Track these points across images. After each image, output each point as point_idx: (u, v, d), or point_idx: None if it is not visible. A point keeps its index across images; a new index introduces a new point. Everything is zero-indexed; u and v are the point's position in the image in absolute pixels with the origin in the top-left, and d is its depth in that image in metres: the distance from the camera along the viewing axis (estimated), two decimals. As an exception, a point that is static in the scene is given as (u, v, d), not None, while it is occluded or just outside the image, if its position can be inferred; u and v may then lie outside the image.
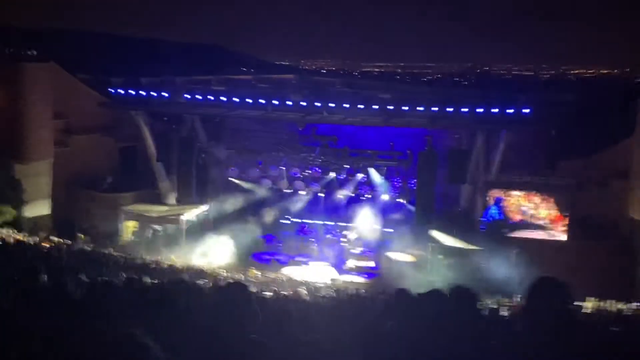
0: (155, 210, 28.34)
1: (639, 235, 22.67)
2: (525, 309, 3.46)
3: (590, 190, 24.94)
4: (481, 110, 24.35)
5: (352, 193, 29.07)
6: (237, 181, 29.99)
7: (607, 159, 25.57)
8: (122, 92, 28.48)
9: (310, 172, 29.44)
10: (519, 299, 19.33)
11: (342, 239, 28.56)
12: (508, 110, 24.07)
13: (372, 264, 27.06)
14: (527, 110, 23.99)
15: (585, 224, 24.19)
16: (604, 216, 24.35)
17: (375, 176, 28.36)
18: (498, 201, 25.13)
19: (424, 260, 25.53)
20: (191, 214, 28.19)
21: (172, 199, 29.12)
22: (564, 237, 24.40)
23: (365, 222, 28.25)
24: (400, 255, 26.31)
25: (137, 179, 29.86)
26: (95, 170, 29.12)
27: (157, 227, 27.90)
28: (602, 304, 19.02)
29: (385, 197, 28.49)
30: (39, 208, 27.07)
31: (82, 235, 26.57)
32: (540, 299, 3.37)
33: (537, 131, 25.87)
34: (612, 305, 18.97)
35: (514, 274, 23.01)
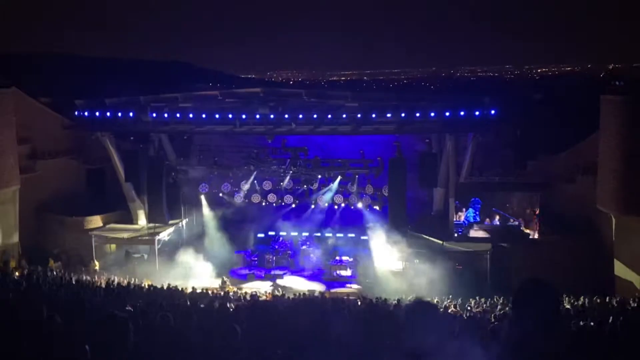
0: (127, 231, 27.93)
1: (607, 228, 23.02)
2: (514, 312, 3.42)
3: (558, 187, 25.29)
4: (448, 114, 24.57)
5: (326, 203, 29.01)
6: (205, 199, 29.71)
7: (573, 156, 25.98)
8: (87, 113, 28.08)
9: (282, 184, 29.32)
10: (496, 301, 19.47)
11: (315, 251, 28.46)
12: (475, 113, 24.34)
13: (349, 272, 27.01)
14: (494, 112, 24.29)
15: (555, 220, 24.50)
16: (573, 211, 24.70)
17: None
18: (474, 203, 25.26)
19: (401, 266, 25.58)
20: (164, 233, 27.84)
21: (143, 219, 28.73)
22: (536, 235, 24.65)
23: (343, 232, 28.27)
24: (378, 263, 26.33)
25: (106, 200, 29.42)
26: (63, 194, 28.62)
27: (129, 248, 27.51)
28: (575, 299, 19.21)
29: (359, 204, 28.49)
30: (8, 236, 26.46)
31: (53, 261, 26.06)
32: (530, 302, 3.33)
33: (505, 132, 26.20)
34: (585, 300, 19.18)
35: (488, 273, 23.26)
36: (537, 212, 24.62)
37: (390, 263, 26.21)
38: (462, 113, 24.45)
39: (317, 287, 25.60)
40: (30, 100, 29.05)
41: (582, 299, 18.99)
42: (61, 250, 27.32)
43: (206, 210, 29.56)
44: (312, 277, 27.24)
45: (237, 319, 9.57)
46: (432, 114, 24.76)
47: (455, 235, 25.10)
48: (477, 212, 25.24)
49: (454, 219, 25.47)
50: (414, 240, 25.47)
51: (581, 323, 12.77)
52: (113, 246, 28.03)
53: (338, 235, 28.72)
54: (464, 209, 25.41)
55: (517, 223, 25.00)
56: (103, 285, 20.89)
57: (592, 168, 23.24)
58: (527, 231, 24.78)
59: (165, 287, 21.77)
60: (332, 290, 24.76)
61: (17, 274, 22.08)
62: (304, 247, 28.99)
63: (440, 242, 24.85)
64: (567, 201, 24.95)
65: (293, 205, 29.48)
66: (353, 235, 28.58)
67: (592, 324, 13.03)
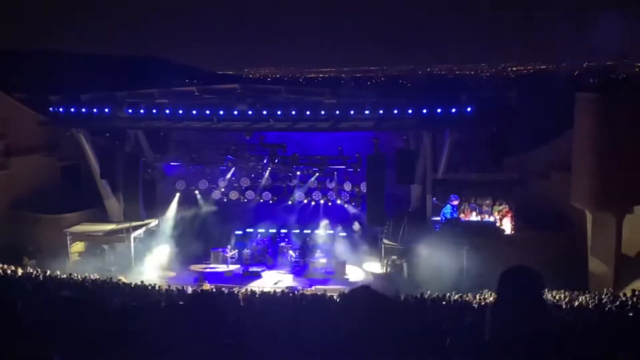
0: (102, 229, 27.64)
1: (581, 224, 23.34)
2: (498, 298, 3.44)
3: (533, 183, 25.58)
4: (425, 111, 24.75)
5: (304, 199, 29.02)
6: (182, 195, 29.52)
7: (548, 152, 26.29)
8: (62, 110, 27.74)
9: (260, 180, 29.25)
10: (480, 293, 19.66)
11: (294, 248, 28.46)
12: (452, 110, 24.56)
13: (328, 269, 27.05)
14: (470, 109, 24.53)
15: (529, 216, 24.79)
16: (548, 207, 25.01)
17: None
18: (451, 200, 25.43)
19: (379, 263, 25.72)
20: (139, 230, 27.61)
21: (119, 216, 28.45)
22: (511, 230, 24.92)
23: (321, 228, 28.31)
24: (355, 260, 26.44)
25: (81, 197, 29.07)
26: (37, 191, 28.23)
27: (105, 246, 27.24)
28: (551, 294, 19.46)
29: (337, 201, 28.56)
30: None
31: (27, 259, 25.72)
32: (514, 289, 3.34)
33: (481, 129, 26.42)
34: (560, 295, 19.44)
35: (464, 269, 23.45)
36: (512, 208, 24.89)
37: (368, 261, 26.36)
38: (439, 110, 24.68)
39: (294, 284, 25.62)
40: (4, 96, 28.62)
41: (556, 293, 19.25)
42: (35, 248, 26.94)
43: (183, 207, 29.38)
44: (292, 274, 27.23)
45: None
46: (410, 111, 24.95)
47: (436, 228, 25.24)
48: (455, 209, 25.44)
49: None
50: (391, 236, 25.60)
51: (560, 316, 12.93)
52: (87, 243, 27.71)
53: (317, 232, 28.75)
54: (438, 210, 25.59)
55: (492, 219, 25.26)
56: (78, 281, 20.67)
57: (566, 164, 23.53)
58: (502, 227, 25.03)
59: (139, 284, 21.60)
60: (311, 288, 24.75)
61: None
62: (282, 244, 28.98)
63: (416, 245, 24.95)
64: (542, 197, 25.24)
65: (271, 202, 29.44)
66: (332, 232, 28.62)
67: (566, 317, 13.22)
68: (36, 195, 28.09)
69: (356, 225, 28.32)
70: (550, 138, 26.81)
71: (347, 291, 3.71)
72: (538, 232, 24.50)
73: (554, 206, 24.85)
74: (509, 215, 24.94)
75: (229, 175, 29.01)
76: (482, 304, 16.61)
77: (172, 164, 29.47)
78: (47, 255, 26.41)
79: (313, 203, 28.95)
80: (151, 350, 4.78)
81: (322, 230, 28.35)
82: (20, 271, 21.85)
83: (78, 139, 27.78)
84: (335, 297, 18.75)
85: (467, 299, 19.23)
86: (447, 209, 25.43)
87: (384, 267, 25.47)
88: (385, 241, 25.47)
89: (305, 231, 29.01)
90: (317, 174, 28.49)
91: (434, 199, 25.65)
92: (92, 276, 22.83)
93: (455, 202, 25.43)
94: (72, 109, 27.53)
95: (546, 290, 18.77)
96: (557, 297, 18.90)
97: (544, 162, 25.96)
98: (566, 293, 19.67)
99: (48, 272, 22.42)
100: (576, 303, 17.32)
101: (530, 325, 3.22)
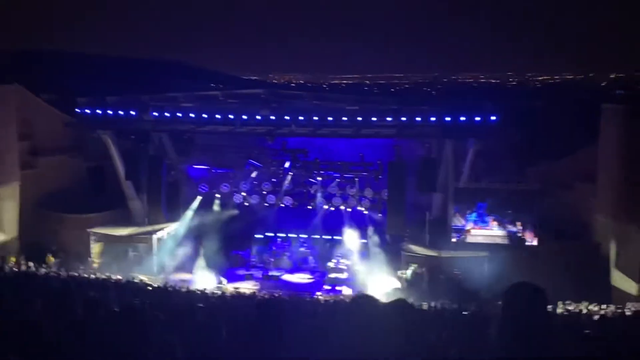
0: (126, 230, 27.94)
1: (605, 236, 23.05)
2: (502, 314, 3.44)
3: (557, 193, 25.32)
4: (449, 119, 24.63)
5: (325, 205, 29.02)
6: (205, 198, 29.74)
7: (573, 163, 26.03)
8: (88, 111, 28.14)
9: (281, 185, 29.35)
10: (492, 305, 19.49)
11: (314, 253, 28.49)
12: (475, 118, 24.40)
13: (345, 275, 27.03)
14: (494, 118, 24.36)
15: (553, 227, 24.52)
16: (572, 219, 24.73)
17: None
18: (479, 207, 25.19)
19: (399, 271, 25.61)
20: (162, 232, 27.87)
21: (142, 217, 28.75)
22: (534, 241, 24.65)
23: (341, 234, 28.33)
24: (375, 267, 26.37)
25: (106, 198, 29.43)
26: (63, 191, 28.63)
27: (128, 247, 27.52)
28: (572, 306, 19.24)
29: (358, 207, 28.52)
30: (7, 232, 26.47)
31: (52, 258, 26.09)
32: (518, 305, 3.35)
33: (505, 138, 26.24)
34: (582, 308, 19.20)
35: (485, 280, 23.27)
36: (536, 218, 24.62)
37: (388, 268, 26.26)
38: (462, 118, 24.52)
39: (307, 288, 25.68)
40: (32, 96, 29.08)
41: (577, 305, 19.02)
42: (59, 247, 27.32)
43: (205, 210, 29.60)
44: (311, 279, 27.30)
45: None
46: (433, 119, 24.84)
47: (454, 240, 25.04)
48: (482, 216, 25.15)
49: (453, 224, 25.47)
50: (411, 244, 25.51)
51: (576, 330, 12.80)
52: (111, 244, 28.01)
53: (336, 238, 28.73)
54: (463, 215, 25.37)
55: (515, 230, 25.00)
56: (100, 280, 20.93)
57: (591, 176, 23.28)
58: (525, 238, 24.78)
59: (161, 286, 21.80)
60: (330, 294, 24.74)
61: (15, 269, 22.13)
62: (301, 248, 29.04)
63: (437, 253, 24.84)
64: (566, 208, 24.97)
65: (292, 207, 29.52)
66: (352, 238, 28.57)
67: (588, 331, 13.07)
68: (61, 195, 28.47)
69: (367, 231, 28.20)
70: (575, 149, 26.55)
71: (380, 301, 3.75)
72: (561, 243, 24.24)
73: (578, 217, 24.59)
74: (532, 226, 24.61)
75: (250, 180, 29.15)
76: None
77: (195, 167, 29.72)
78: (70, 255, 26.79)
79: (333, 209, 28.92)
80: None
81: (343, 237, 28.33)
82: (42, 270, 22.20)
83: (104, 141, 28.14)
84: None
85: (487, 310, 19.06)
86: (473, 217, 25.22)
87: (404, 276, 25.35)
88: (406, 249, 25.37)
89: (325, 237, 29.02)
90: (338, 180, 28.50)
91: (457, 208, 25.43)
92: (113, 276, 23.10)
93: (482, 210, 25.08)
94: (99, 111, 27.90)
95: (552, 305, 18.58)
96: (578, 310, 18.68)
97: (568, 172, 25.70)
98: (588, 306, 19.43)
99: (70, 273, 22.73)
100: (597, 316, 17.09)
101: (535, 341, 3.22)
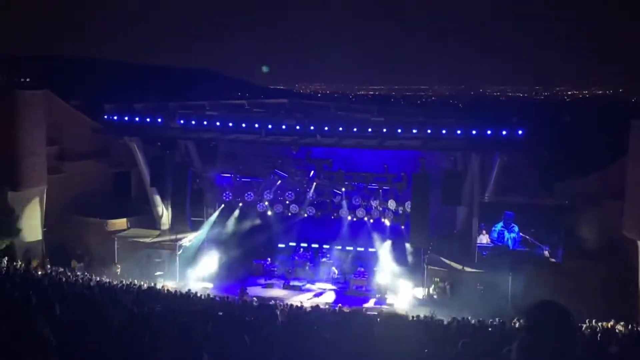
0: (150, 235, 28.17)
1: (633, 254, 22.60)
2: (526, 334, 3.35)
3: (584, 210, 24.92)
4: (475, 132, 24.41)
5: (348, 216, 28.90)
6: (229, 207, 29.85)
7: (601, 179, 25.61)
8: (116, 117, 28.48)
9: (305, 195, 29.32)
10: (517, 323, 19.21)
11: (336, 264, 28.42)
12: (502, 132, 24.15)
13: (369, 288, 26.86)
14: (521, 132, 24.08)
15: (579, 244, 24.13)
16: (599, 236, 24.31)
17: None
18: (508, 217, 24.87)
19: (422, 284, 25.41)
20: (186, 239, 28.02)
21: (167, 224, 28.96)
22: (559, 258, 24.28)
23: (364, 246, 28.25)
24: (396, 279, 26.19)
25: (131, 204, 29.72)
26: (89, 196, 28.99)
27: (151, 253, 27.71)
28: (599, 324, 18.86)
29: (382, 219, 28.34)
30: (33, 235, 26.87)
31: (76, 262, 26.38)
32: (543, 324, 3.25)
33: (532, 152, 25.94)
34: (609, 325, 18.82)
35: (509, 295, 22.96)
36: (562, 235, 24.25)
37: (410, 282, 26.05)
38: (489, 132, 24.28)
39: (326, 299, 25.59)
40: (60, 102, 29.61)
41: (603, 324, 18.64)
42: (84, 252, 27.63)
43: (229, 218, 29.71)
44: (332, 290, 27.21)
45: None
46: (459, 132, 24.64)
47: (483, 254, 24.80)
48: (509, 224, 24.83)
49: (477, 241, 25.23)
50: (435, 258, 25.30)
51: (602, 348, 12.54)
52: (136, 249, 28.22)
53: (359, 249, 28.60)
54: (484, 231, 25.14)
55: (540, 247, 24.63)
56: (124, 287, 21.09)
57: (619, 192, 22.86)
58: (550, 254, 24.42)
59: (184, 293, 21.88)
60: (352, 307, 24.60)
61: (39, 272, 22.40)
62: (324, 259, 28.94)
63: (460, 267, 24.61)
64: (592, 225, 24.57)
65: (315, 217, 29.45)
66: (374, 250, 28.44)
67: (614, 349, 12.79)
68: (87, 199, 28.84)
69: (390, 243, 28.01)
70: (603, 165, 26.14)
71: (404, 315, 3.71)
72: (587, 261, 23.81)
73: (605, 235, 24.16)
74: (559, 242, 24.26)
75: (274, 188, 29.18)
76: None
77: (220, 175, 29.85)
78: (95, 259, 27.09)
79: (356, 220, 28.78)
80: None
81: (365, 248, 28.22)
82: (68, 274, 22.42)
83: (130, 147, 28.45)
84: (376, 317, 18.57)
85: (509, 326, 18.79)
86: (498, 226, 24.95)
87: (427, 290, 25.12)
88: (429, 263, 25.15)
89: (347, 248, 28.90)
90: (362, 191, 28.37)
91: (482, 225, 25.16)
92: (136, 282, 23.26)
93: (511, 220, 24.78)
94: (126, 118, 28.23)
95: (577, 322, 18.21)
96: (604, 328, 18.30)
97: (596, 189, 25.27)
98: (615, 325, 19.02)
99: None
100: (622, 336, 16.74)
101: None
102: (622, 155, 23.37)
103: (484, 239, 25.17)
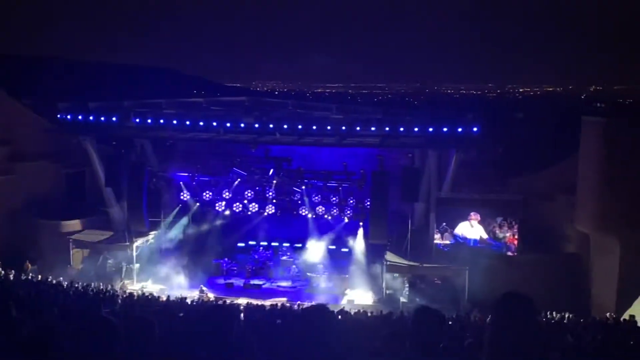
0: (105, 236, 27.65)
1: (585, 247, 23.27)
2: (492, 325, 3.43)
3: (538, 205, 25.52)
4: (431, 129, 24.78)
5: (308, 214, 28.95)
6: (186, 206, 29.56)
7: (553, 174, 26.26)
8: (69, 117, 27.88)
9: (264, 193, 29.25)
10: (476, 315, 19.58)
11: (296, 262, 28.46)
12: (458, 129, 24.58)
13: (329, 284, 26.98)
14: (476, 129, 24.56)
15: (533, 238, 24.69)
16: (552, 230, 24.93)
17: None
18: (470, 216, 25.19)
19: (379, 279, 25.64)
20: (143, 240, 27.62)
21: (123, 225, 28.47)
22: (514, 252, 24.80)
23: (324, 243, 28.31)
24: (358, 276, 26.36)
25: (85, 205, 29.13)
26: (42, 197, 28.31)
27: (107, 254, 27.25)
28: (554, 314, 19.37)
29: (341, 216, 28.50)
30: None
31: (29, 264, 25.74)
32: (508, 315, 3.34)
33: (487, 148, 26.42)
34: (562, 317, 19.34)
35: (466, 289, 23.38)
36: (516, 229, 24.79)
37: (370, 277, 26.27)
38: (445, 129, 24.69)
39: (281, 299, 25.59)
40: (12, 101, 28.81)
41: (557, 314, 19.15)
42: (37, 254, 26.96)
43: (187, 217, 29.44)
44: (292, 288, 27.25)
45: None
46: (416, 129, 24.98)
47: (445, 250, 25.14)
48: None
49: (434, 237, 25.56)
50: (392, 254, 25.54)
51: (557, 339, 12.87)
52: (89, 251, 27.70)
53: (320, 247, 28.67)
54: (449, 230, 25.41)
55: (495, 244, 25.08)
56: (80, 289, 20.69)
57: (571, 187, 23.50)
58: (505, 248, 24.93)
59: (142, 294, 21.59)
60: (312, 303, 24.66)
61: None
62: (284, 257, 28.94)
63: (418, 262, 24.88)
64: (546, 219, 25.17)
65: (275, 215, 29.43)
66: (334, 247, 28.58)
67: (570, 339, 13.16)
68: (40, 201, 28.16)
69: (349, 240, 28.22)
70: (556, 160, 26.80)
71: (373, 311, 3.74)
72: (541, 254, 24.42)
73: (559, 228, 24.79)
74: (513, 236, 24.80)
75: (233, 187, 29.01)
76: (482, 325, 16.53)
77: (177, 174, 29.52)
78: (48, 261, 26.45)
79: (316, 218, 28.86)
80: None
81: (325, 245, 28.32)
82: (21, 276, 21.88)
83: (84, 147, 27.88)
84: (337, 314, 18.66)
85: (468, 319, 19.14)
86: (461, 225, 25.28)
87: (386, 285, 25.35)
88: (387, 259, 25.39)
89: (307, 245, 28.96)
90: (322, 189, 28.47)
91: (444, 223, 25.50)
92: (93, 284, 22.84)
93: (474, 219, 25.11)
94: (80, 117, 27.67)
95: (541, 314, 18.70)
96: (558, 319, 18.80)
97: (549, 184, 25.91)
98: (568, 315, 19.57)
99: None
100: (577, 326, 17.23)
101: (526, 351, 3.22)
102: (574, 150, 23.99)
103: (450, 237, 25.45)
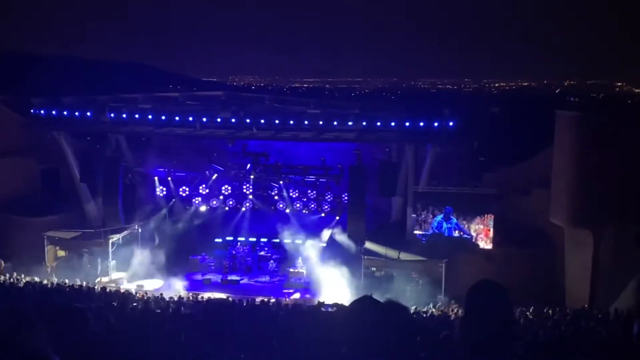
0: (81, 233, 27.32)
1: (559, 240, 23.58)
2: (466, 311, 3.47)
3: (513, 198, 25.79)
4: (408, 124, 24.90)
5: (286, 209, 28.93)
6: (162, 202, 29.33)
7: (528, 168, 26.55)
8: (43, 112, 27.50)
9: (241, 189, 29.15)
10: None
11: (274, 257, 28.43)
12: (434, 124, 24.73)
13: (307, 279, 26.98)
14: (452, 123, 24.73)
15: (509, 232, 24.96)
16: (527, 223, 25.21)
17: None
18: (448, 211, 25.38)
19: (357, 273, 25.71)
20: (118, 236, 27.33)
21: (98, 220, 28.18)
22: (489, 245, 25.04)
23: (302, 239, 28.28)
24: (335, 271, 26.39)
25: (60, 201, 28.77)
26: (16, 194, 27.88)
27: (83, 251, 26.93)
28: (530, 308, 19.59)
29: (319, 211, 28.50)
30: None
31: (3, 261, 25.37)
32: (481, 302, 3.38)
33: (463, 143, 26.62)
34: (538, 311, 19.56)
35: (443, 282, 23.57)
36: (492, 223, 25.03)
37: (347, 271, 26.33)
38: (421, 124, 24.83)
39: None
40: (-17, 96, 28.32)
41: (532, 308, 19.38)
42: (12, 251, 26.57)
43: (162, 213, 29.21)
44: (270, 283, 27.21)
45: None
46: (393, 124, 25.08)
47: (422, 241, 25.33)
48: (448, 219, 25.39)
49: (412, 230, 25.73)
50: (371, 248, 25.63)
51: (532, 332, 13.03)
52: (64, 248, 27.37)
53: (297, 241, 28.65)
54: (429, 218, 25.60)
55: (468, 235, 25.30)
56: (54, 286, 20.45)
57: (546, 181, 23.76)
58: (481, 242, 25.16)
59: (119, 290, 21.41)
60: (289, 298, 24.67)
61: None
62: (262, 252, 28.89)
63: (396, 256, 25.00)
64: (521, 213, 25.44)
65: (252, 210, 29.36)
66: (312, 242, 28.58)
67: (540, 333, 13.32)
68: (14, 197, 27.74)
69: (326, 235, 28.24)
70: (531, 154, 27.08)
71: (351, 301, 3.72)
72: (516, 247, 24.68)
73: (534, 222, 25.05)
74: (488, 230, 25.04)
75: (210, 183, 28.87)
76: (458, 317, 16.68)
77: (153, 169, 29.27)
78: (23, 259, 26.06)
79: (294, 212, 28.85)
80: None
81: (303, 241, 28.29)
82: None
83: (59, 142, 27.54)
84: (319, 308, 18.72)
85: (444, 312, 19.31)
86: (438, 218, 25.46)
87: (363, 279, 25.43)
88: (365, 253, 25.48)
89: (285, 241, 28.90)
90: (300, 183, 28.47)
91: (423, 214, 25.67)
92: (68, 281, 22.59)
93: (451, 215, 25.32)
94: (54, 112, 27.31)
95: (514, 304, 18.91)
96: (533, 313, 19.02)
97: (524, 178, 26.19)
98: (544, 309, 19.80)
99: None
100: (551, 319, 17.45)
101: (498, 338, 3.26)
102: (548, 144, 24.26)
103: (427, 227, 25.65)
